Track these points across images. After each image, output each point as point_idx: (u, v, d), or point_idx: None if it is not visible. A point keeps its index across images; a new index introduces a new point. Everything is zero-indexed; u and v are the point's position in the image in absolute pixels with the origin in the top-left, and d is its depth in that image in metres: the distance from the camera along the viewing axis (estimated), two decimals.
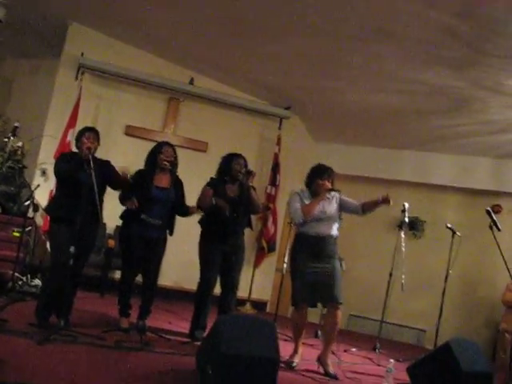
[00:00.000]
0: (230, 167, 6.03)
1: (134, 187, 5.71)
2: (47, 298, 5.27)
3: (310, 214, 5.39)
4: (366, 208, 5.61)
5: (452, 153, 9.88)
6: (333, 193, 5.62)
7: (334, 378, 5.28)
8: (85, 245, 5.26)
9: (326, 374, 5.35)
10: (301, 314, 5.52)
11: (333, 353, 6.13)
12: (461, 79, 7.62)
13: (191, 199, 6.06)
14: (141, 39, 9.06)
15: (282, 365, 5.05)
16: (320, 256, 5.39)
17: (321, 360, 5.48)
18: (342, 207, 5.68)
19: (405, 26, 6.70)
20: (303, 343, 5.82)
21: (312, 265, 5.36)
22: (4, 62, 10.86)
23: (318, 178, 5.52)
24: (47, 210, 5.66)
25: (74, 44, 8.98)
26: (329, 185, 5.47)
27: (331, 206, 5.57)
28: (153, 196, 5.73)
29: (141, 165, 6.00)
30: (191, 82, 9.51)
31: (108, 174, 5.48)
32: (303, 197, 5.55)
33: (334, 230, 5.56)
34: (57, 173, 5.40)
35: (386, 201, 5.44)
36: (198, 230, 6.13)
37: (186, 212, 6.00)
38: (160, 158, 5.85)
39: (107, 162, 5.60)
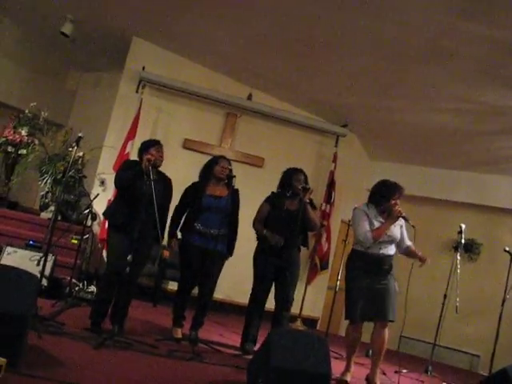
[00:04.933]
0: (290, 182, 6.02)
1: (189, 199, 5.83)
2: (100, 304, 5.37)
3: (378, 239, 5.22)
4: (408, 253, 5.49)
5: (510, 175, 9.71)
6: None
7: None
8: (141, 254, 5.32)
9: None
10: (356, 329, 5.37)
11: (384, 373, 6.06)
12: None
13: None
14: (200, 54, 9.22)
15: (333, 382, 5.00)
16: (376, 273, 5.28)
17: (369, 380, 5.36)
18: None
19: (464, 45, 6.66)
20: (354, 362, 5.73)
21: (368, 280, 5.23)
22: (68, 75, 11.20)
23: (391, 198, 5.28)
24: (105, 214, 5.71)
25: (136, 58, 9.18)
26: (402, 211, 5.24)
27: (396, 229, 5.38)
28: (204, 204, 5.75)
29: (197, 178, 6.06)
30: (249, 97, 9.62)
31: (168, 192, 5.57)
32: (370, 216, 5.30)
33: (393, 250, 5.41)
34: (116, 180, 5.40)
35: (422, 260, 5.35)
36: (250, 244, 6.16)
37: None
38: (216, 169, 5.91)
39: (170, 181, 5.65)
